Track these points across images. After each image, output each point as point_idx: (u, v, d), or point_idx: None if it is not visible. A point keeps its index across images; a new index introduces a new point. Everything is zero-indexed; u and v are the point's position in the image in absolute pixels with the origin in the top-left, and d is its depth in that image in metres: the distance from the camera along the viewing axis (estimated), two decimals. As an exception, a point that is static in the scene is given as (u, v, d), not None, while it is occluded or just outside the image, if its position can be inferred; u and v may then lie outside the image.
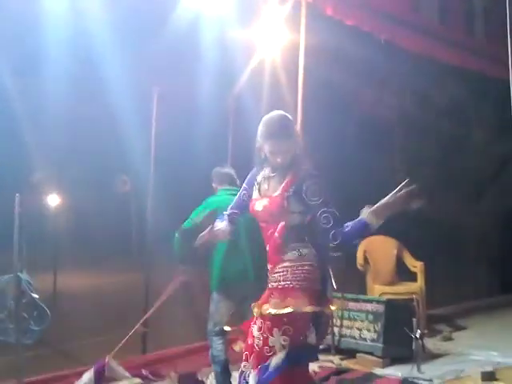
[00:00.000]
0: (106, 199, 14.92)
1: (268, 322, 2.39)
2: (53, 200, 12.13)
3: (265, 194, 2.57)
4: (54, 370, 4.09)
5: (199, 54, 4.80)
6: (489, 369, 4.26)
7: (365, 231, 2.34)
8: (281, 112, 2.59)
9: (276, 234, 2.48)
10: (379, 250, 6.04)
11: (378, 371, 4.45)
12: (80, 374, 3.99)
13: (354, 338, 4.86)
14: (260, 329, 2.42)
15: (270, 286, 2.51)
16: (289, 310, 2.36)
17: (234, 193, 3.92)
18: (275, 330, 2.37)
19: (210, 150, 6.21)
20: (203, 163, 4.09)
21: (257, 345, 2.41)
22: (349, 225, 2.35)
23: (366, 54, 6.15)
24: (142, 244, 5.12)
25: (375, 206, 2.32)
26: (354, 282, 5.86)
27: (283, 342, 2.36)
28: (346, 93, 8.30)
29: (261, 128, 2.54)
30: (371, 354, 4.70)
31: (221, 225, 2.78)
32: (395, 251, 6.10)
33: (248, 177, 2.72)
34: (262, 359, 2.38)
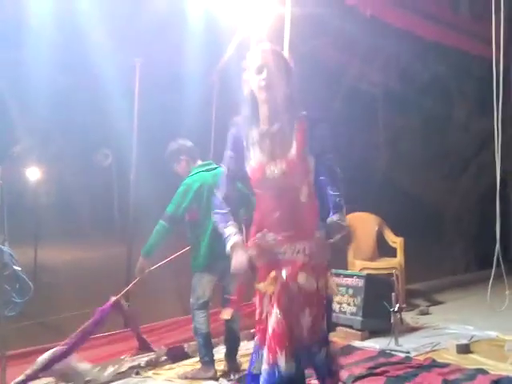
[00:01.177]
0: (87, 172, 14.79)
1: (300, 299, 2.16)
2: (34, 173, 11.98)
3: (274, 154, 2.18)
4: (36, 343, 4.08)
5: (183, 26, 4.72)
6: (464, 342, 4.36)
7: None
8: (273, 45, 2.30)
9: (304, 201, 2.19)
10: (361, 226, 6.10)
11: (357, 344, 4.53)
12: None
13: (334, 311, 4.92)
14: (282, 305, 2.15)
15: (291, 258, 2.21)
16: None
17: (210, 168, 3.86)
18: (307, 309, 2.17)
19: (193, 123, 6.16)
20: (187, 137, 4.03)
21: (278, 322, 2.13)
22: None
23: (352, 28, 6.10)
24: (125, 217, 5.09)
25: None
26: (335, 256, 5.92)
27: (309, 324, 2.17)
28: (331, 67, 8.26)
29: (249, 60, 2.25)
30: (350, 327, 4.77)
31: (230, 231, 2.32)
32: (376, 227, 6.16)
33: (231, 140, 2.32)
34: (285, 340, 2.11)
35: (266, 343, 2.15)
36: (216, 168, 3.84)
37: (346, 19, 5.48)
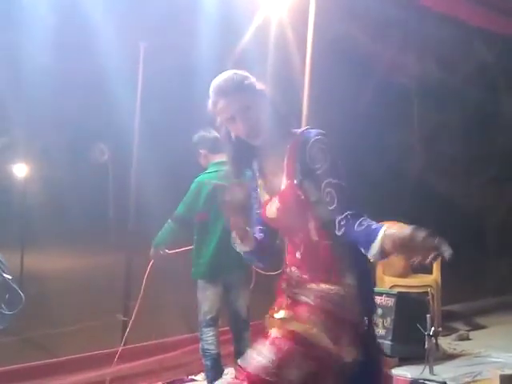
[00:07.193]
0: (81, 169, 14.92)
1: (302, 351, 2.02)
2: (21, 169, 12.11)
3: (271, 191, 2.21)
4: (21, 361, 4.15)
5: (195, 7, 4.77)
6: (509, 372, 4.35)
7: (370, 249, 1.93)
8: (232, 70, 2.25)
9: (316, 239, 2.13)
10: (391, 237, 6.09)
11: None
12: (51, 366, 4.04)
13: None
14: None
15: (303, 299, 2.14)
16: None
17: None
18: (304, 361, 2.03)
19: (204, 115, 6.22)
20: (196, 131, 4.06)
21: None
22: (364, 225, 1.96)
23: (385, 12, 6.13)
24: (123, 221, 5.13)
25: (394, 232, 1.87)
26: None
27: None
28: (361, 56, 8.29)
29: (214, 106, 2.21)
30: (378, 352, 4.79)
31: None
32: (409, 238, 6.15)
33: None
34: None
35: None
36: None
37: (378, 2, 5.51)
